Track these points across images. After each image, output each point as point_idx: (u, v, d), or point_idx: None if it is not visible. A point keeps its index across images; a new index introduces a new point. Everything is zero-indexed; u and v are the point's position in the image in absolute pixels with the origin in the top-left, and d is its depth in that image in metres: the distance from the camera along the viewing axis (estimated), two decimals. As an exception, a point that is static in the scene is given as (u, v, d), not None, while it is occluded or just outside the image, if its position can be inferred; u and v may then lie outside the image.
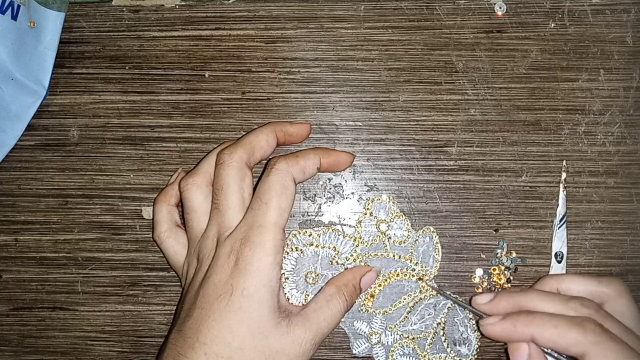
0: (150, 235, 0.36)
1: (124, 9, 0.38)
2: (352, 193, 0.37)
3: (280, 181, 0.31)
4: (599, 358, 0.27)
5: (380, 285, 0.35)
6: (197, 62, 0.37)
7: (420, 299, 0.35)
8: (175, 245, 0.34)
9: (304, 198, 0.37)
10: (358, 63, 0.37)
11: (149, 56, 0.38)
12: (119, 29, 0.38)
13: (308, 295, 0.33)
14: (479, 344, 0.35)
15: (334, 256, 0.35)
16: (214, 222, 0.32)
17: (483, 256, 0.36)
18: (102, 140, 0.37)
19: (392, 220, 0.36)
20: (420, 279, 0.35)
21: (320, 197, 0.37)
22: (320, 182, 0.37)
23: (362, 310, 0.35)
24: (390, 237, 0.35)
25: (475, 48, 0.37)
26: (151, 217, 0.36)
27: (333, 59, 0.37)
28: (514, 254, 0.36)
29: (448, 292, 0.35)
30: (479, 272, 0.36)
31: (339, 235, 0.35)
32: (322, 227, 0.36)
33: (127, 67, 0.38)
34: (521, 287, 0.36)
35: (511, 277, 0.36)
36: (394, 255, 0.35)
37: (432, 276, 0.35)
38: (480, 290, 0.36)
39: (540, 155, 0.36)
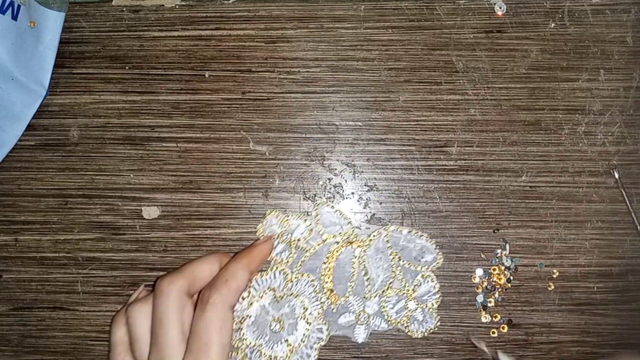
0: (150, 235, 0.36)
1: (124, 9, 0.38)
2: (352, 193, 0.37)
3: (217, 316, 0.30)
4: None
5: (330, 276, 0.35)
6: (197, 62, 0.37)
7: (363, 256, 0.35)
8: None
9: (304, 198, 0.37)
10: (358, 63, 0.37)
11: (149, 56, 0.38)
12: (119, 29, 0.38)
13: (287, 340, 0.33)
14: (432, 241, 0.35)
15: (275, 295, 0.34)
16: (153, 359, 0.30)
17: (483, 256, 0.36)
18: (102, 140, 0.37)
19: (284, 227, 0.36)
20: (350, 242, 0.35)
21: (320, 197, 0.37)
22: (320, 182, 0.37)
23: (334, 308, 0.35)
24: (299, 239, 0.35)
25: (475, 48, 0.37)
26: (151, 218, 0.37)
27: (333, 59, 0.37)
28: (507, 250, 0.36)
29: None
30: (479, 272, 0.36)
31: (263, 277, 0.34)
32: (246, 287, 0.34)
33: (127, 67, 0.38)
34: (521, 286, 0.36)
35: (511, 277, 0.36)
36: (315, 248, 0.35)
37: (354, 232, 0.36)
38: (480, 290, 0.36)
39: (540, 155, 0.36)
